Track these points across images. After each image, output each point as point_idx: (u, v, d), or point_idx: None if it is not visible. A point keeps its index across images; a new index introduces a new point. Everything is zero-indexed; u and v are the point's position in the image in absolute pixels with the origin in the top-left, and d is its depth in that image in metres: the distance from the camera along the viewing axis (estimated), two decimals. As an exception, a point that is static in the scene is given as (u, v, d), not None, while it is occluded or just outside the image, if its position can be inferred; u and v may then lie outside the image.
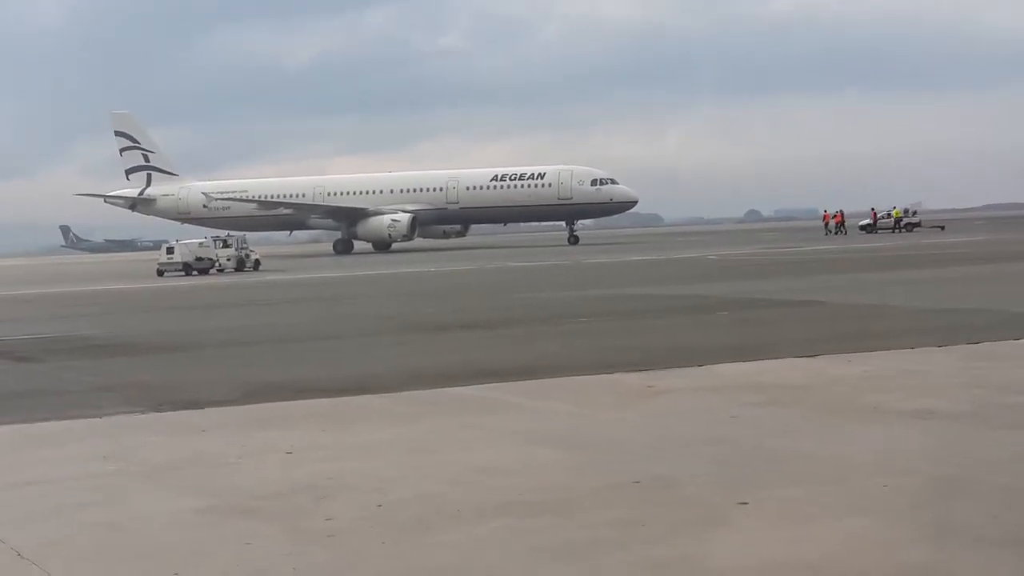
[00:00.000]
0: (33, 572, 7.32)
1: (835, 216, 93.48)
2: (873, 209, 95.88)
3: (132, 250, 79.67)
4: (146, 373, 17.95)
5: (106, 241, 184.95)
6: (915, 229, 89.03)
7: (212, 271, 60.89)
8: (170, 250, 61.82)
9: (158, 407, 13.99)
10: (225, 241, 64.33)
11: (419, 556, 7.35)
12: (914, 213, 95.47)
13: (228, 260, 62.28)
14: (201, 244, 63.32)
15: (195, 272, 59.91)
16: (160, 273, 60.01)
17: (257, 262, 64.47)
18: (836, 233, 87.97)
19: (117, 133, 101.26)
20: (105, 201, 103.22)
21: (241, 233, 70.34)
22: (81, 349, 22.04)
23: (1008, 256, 43.37)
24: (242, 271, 61.83)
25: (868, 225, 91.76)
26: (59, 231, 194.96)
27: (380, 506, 8.56)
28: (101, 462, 10.72)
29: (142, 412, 13.72)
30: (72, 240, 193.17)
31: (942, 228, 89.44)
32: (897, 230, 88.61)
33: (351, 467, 10.02)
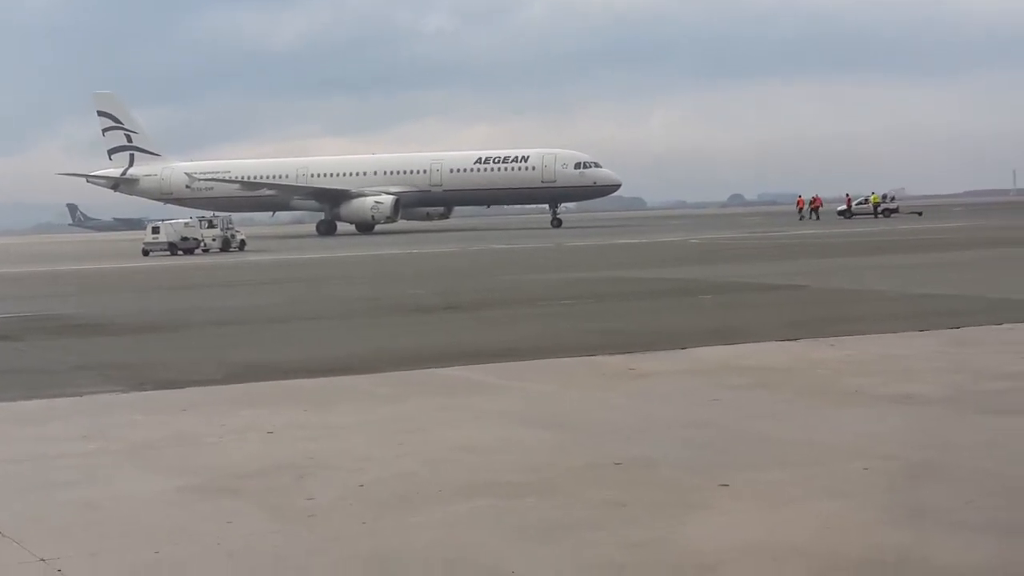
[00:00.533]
0: (12, 549, 7.30)
1: (812, 201, 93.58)
2: (847, 194, 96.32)
3: (140, 229, 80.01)
4: (127, 352, 17.91)
5: (114, 220, 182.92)
6: (892, 215, 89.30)
7: (197, 251, 60.75)
8: (155, 230, 61.92)
9: (139, 386, 13.95)
10: (211, 222, 64.28)
11: (400, 535, 7.35)
12: (892, 199, 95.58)
13: (214, 240, 62.22)
14: (187, 224, 63.17)
15: (181, 252, 59.79)
16: (145, 253, 59.99)
17: (243, 242, 64.50)
18: (811, 218, 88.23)
19: (100, 113, 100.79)
20: (87, 181, 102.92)
21: (227, 214, 70.19)
22: (62, 328, 21.96)
23: (984, 242, 43.55)
24: (228, 251, 61.78)
25: (844, 211, 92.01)
26: (66, 209, 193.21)
27: (361, 486, 8.56)
28: (81, 441, 10.68)
29: (123, 391, 13.68)
30: (79, 219, 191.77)
31: (919, 214, 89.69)
32: (876, 216, 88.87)
33: (332, 447, 10.02)
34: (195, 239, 61.35)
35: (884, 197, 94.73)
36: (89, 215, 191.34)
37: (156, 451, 10.19)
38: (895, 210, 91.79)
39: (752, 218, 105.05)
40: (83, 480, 9.14)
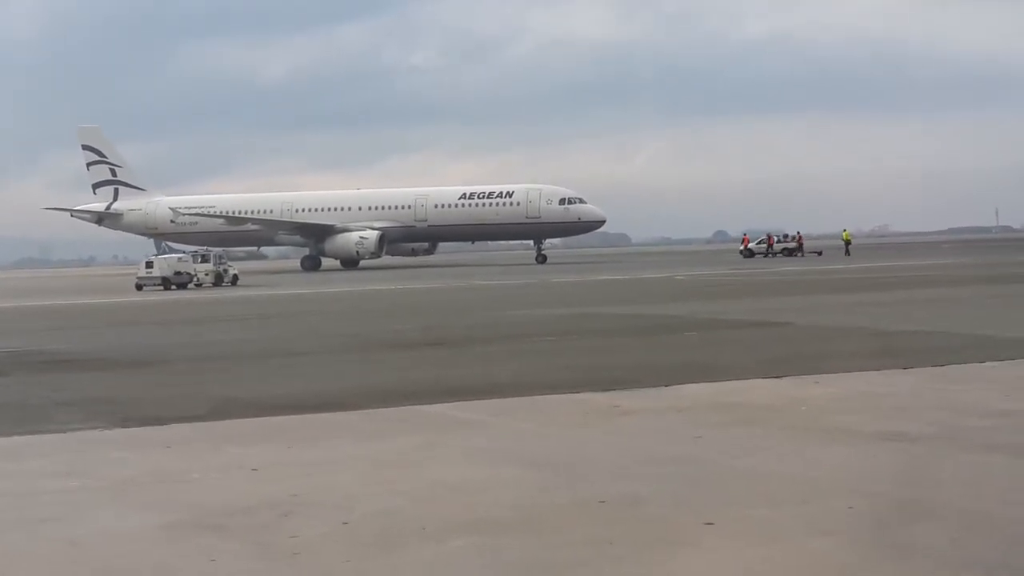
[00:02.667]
0: (-6, 588, 7.25)
1: (768, 239, 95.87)
2: (770, 235, 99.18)
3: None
4: (113, 388, 17.83)
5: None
6: (796, 255, 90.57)
7: (190, 286, 61.29)
8: (149, 264, 62.50)
9: (123, 422, 13.89)
10: (204, 256, 64.78)
11: (384, 573, 7.33)
12: (793, 238, 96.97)
13: (206, 275, 62.94)
14: (180, 259, 63.98)
15: (174, 287, 60.24)
16: (139, 287, 60.25)
17: (235, 277, 65.12)
18: (766, 255, 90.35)
19: (84, 147, 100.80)
20: (72, 215, 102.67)
21: (220, 249, 70.46)
22: (48, 363, 21.87)
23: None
24: (220, 286, 62.28)
25: (745, 250, 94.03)
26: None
27: (346, 523, 8.53)
28: (64, 477, 10.62)
29: (106, 428, 13.62)
30: (164, 250, 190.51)
31: (819, 254, 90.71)
32: (768, 255, 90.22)
33: (317, 484, 9.98)
34: (188, 274, 62.05)
35: (785, 237, 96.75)
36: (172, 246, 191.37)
37: (139, 488, 10.14)
38: (796, 249, 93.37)
39: (736, 255, 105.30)
40: (66, 517, 9.08)
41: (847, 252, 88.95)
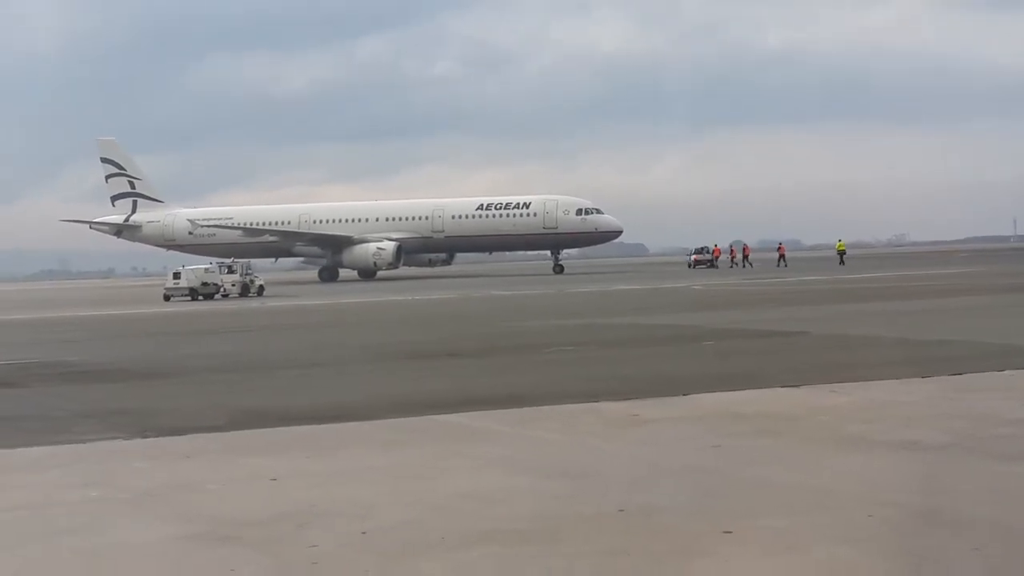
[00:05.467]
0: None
1: (743, 249, 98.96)
2: (716, 246, 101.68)
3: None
4: (133, 399, 17.88)
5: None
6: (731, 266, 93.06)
7: (217, 296, 61.91)
8: (176, 275, 63.07)
9: (142, 433, 13.94)
10: (230, 267, 65.32)
11: (403, 584, 7.33)
12: (741, 250, 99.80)
13: (233, 286, 63.65)
14: (207, 270, 64.49)
15: (201, 297, 60.87)
16: (167, 298, 60.83)
17: (261, 288, 65.64)
18: (743, 266, 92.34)
19: (103, 160, 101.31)
20: (91, 227, 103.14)
21: (246, 260, 70.79)
22: (69, 375, 21.96)
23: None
24: (246, 296, 62.90)
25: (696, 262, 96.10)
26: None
27: (364, 533, 8.54)
28: (83, 488, 10.66)
29: (126, 438, 13.67)
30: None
31: (751, 265, 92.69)
32: (710, 266, 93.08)
33: (336, 494, 10.00)
34: (215, 284, 62.68)
35: (702, 250, 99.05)
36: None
37: (158, 499, 10.17)
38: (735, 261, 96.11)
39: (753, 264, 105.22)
40: (85, 528, 9.12)
41: (841, 262, 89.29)
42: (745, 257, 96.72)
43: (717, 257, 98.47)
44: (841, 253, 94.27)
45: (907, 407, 13.83)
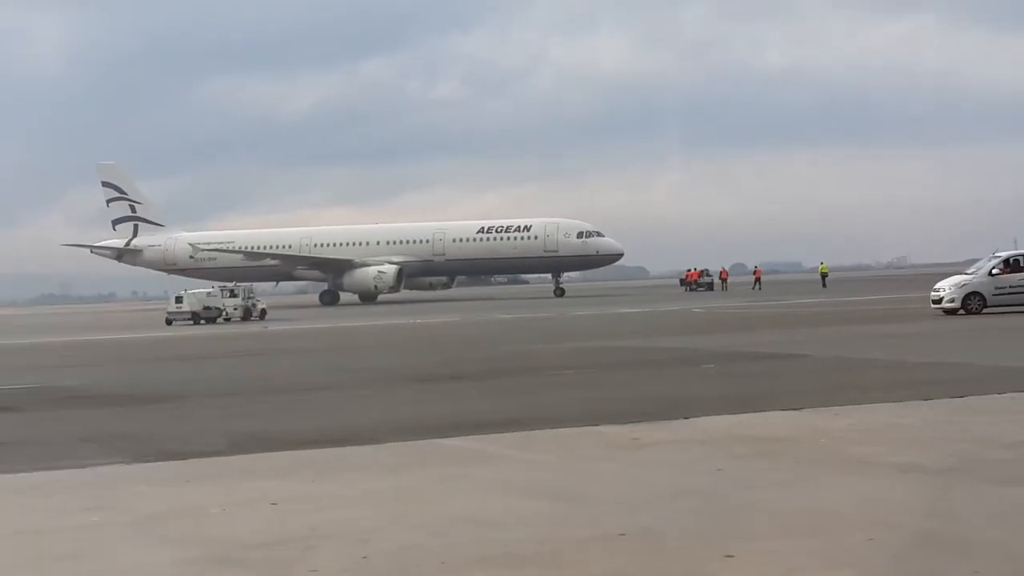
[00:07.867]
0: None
1: (720, 273, 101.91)
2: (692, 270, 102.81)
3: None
4: (134, 423, 17.88)
5: None
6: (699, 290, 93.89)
7: (219, 320, 62.03)
8: (179, 299, 63.35)
9: (143, 458, 13.93)
10: (232, 291, 65.36)
11: (405, 608, 7.32)
12: (707, 274, 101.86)
13: (235, 310, 63.74)
14: (209, 294, 64.65)
15: (203, 321, 60.97)
16: (169, 322, 60.85)
17: (263, 311, 65.65)
18: (722, 289, 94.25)
19: (104, 184, 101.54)
20: (92, 252, 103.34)
21: (248, 284, 70.90)
22: (70, 399, 21.96)
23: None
24: (248, 320, 63.04)
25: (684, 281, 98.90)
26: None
27: (365, 557, 8.53)
28: (84, 513, 10.66)
29: (127, 463, 13.67)
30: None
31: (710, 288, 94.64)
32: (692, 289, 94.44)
33: (336, 518, 9.99)
34: (217, 308, 62.75)
35: (703, 272, 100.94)
36: None
37: (160, 523, 10.16)
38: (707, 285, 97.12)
39: (747, 288, 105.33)
40: (87, 552, 9.11)
41: (824, 285, 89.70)
42: (723, 280, 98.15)
43: (725, 279, 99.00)
44: (824, 275, 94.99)
45: (908, 429, 13.84)
